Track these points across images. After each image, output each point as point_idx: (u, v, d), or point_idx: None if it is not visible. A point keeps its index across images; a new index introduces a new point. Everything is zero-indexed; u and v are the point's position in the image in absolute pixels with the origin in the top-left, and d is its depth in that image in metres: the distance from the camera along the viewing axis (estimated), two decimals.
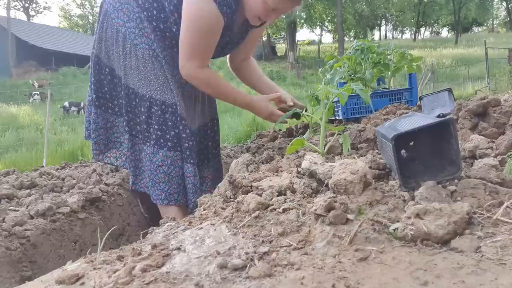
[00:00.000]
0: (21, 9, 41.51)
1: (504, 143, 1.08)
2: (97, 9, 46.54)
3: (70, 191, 1.94)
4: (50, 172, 2.25)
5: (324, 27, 48.22)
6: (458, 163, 0.88)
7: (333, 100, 1.47)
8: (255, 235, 0.79)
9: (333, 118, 2.19)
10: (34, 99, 17.25)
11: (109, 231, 1.04)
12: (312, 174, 1.09)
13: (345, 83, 1.96)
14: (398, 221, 0.76)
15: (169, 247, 0.79)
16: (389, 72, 2.31)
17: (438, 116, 1.63)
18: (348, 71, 2.29)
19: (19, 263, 1.38)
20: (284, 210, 0.87)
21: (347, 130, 1.53)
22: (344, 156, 1.28)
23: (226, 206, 1.03)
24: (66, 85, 18.33)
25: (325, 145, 1.38)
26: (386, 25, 57.50)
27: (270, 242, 0.75)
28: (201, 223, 0.92)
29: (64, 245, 1.59)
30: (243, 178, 1.14)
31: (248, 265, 0.66)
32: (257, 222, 0.85)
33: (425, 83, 12.10)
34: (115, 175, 2.22)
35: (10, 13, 28.75)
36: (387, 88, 2.33)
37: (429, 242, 0.68)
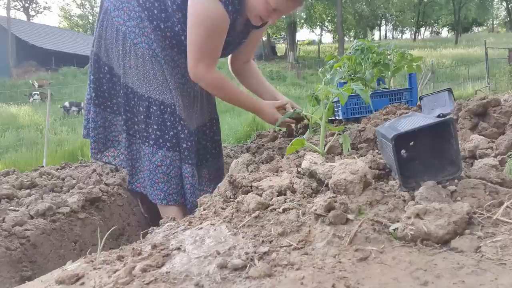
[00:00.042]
0: (21, 9, 41.53)
1: (504, 143, 1.08)
2: (97, 9, 46.53)
3: (70, 191, 1.94)
4: (50, 172, 2.25)
5: (324, 27, 48.23)
6: (458, 163, 0.88)
7: (333, 100, 1.47)
8: (255, 235, 0.79)
9: (333, 118, 2.19)
10: (34, 99, 17.25)
11: (109, 231, 1.04)
12: (312, 174, 1.09)
13: (345, 83, 1.96)
14: (398, 221, 0.76)
15: (169, 247, 0.79)
16: (389, 72, 2.31)
17: (438, 116, 1.63)
18: (348, 71, 2.29)
19: (19, 263, 1.38)
20: (284, 210, 0.87)
21: (347, 130, 1.53)
22: (344, 156, 1.28)
23: (226, 206, 1.03)
24: (66, 85, 18.33)
25: (325, 145, 1.38)
26: (386, 25, 57.54)
27: (270, 242, 0.75)
28: (201, 223, 0.92)
29: (64, 245, 1.59)
30: (243, 178, 1.14)
31: (248, 265, 0.66)
32: (257, 222, 0.85)
33: (425, 83, 12.10)
34: (115, 175, 2.22)
35: (10, 13, 28.77)
36: (387, 88, 2.32)
37: (429, 242, 0.68)
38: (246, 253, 0.70)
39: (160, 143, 1.92)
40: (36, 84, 19.86)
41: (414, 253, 0.66)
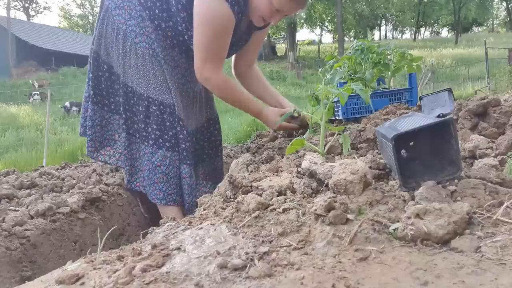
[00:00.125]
0: (21, 9, 41.55)
1: (504, 143, 1.08)
2: (97, 9, 46.57)
3: (70, 191, 1.94)
4: (50, 172, 2.25)
5: (324, 27, 48.25)
6: (458, 163, 0.88)
7: (333, 100, 1.47)
8: (255, 235, 0.79)
9: (333, 118, 2.19)
10: (34, 99, 17.25)
11: (109, 231, 1.04)
12: (312, 174, 1.09)
13: (345, 83, 1.96)
14: (398, 221, 0.76)
15: (169, 247, 0.79)
16: (389, 72, 2.31)
17: (438, 116, 1.63)
18: (348, 71, 2.29)
19: (19, 263, 1.38)
20: (284, 210, 0.87)
21: (347, 130, 1.53)
22: (344, 156, 1.28)
23: (226, 206, 1.03)
24: (66, 85, 18.34)
25: (325, 145, 1.38)
26: (386, 25, 57.54)
27: (270, 242, 0.75)
28: (201, 223, 0.92)
29: (64, 245, 1.59)
30: (243, 178, 1.14)
31: (248, 265, 0.66)
32: (257, 222, 0.85)
33: (425, 83, 12.10)
34: (115, 175, 2.22)
35: (10, 13, 28.77)
36: (387, 88, 2.32)
37: (429, 242, 0.68)
38: (246, 253, 0.70)
39: (160, 143, 1.92)
40: (36, 84, 19.87)
41: (414, 253, 0.66)
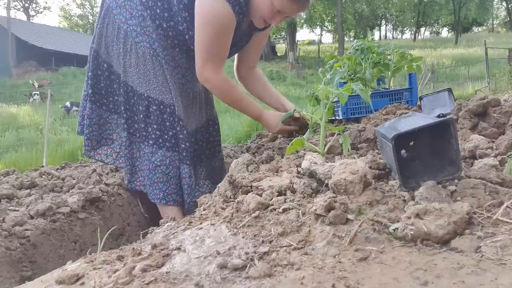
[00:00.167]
0: (21, 9, 41.55)
1: (504, 143, 1.08)
2: (97, 9, 46.59)
3: (70, 191, 1.94)
4: (50, 172, 2.25)
5: (324, 27, 48.25)
6: (458, 163, 0.88)
7: (333, 100, 1.47)
8: (255, 235, 0.79)
9: (333, 118, 2.19)
10: (34, 99, 17.25)
11: (109, 231, 1.04)
12: (312, 174, 1.09)
13: (345, 83, 1.96)
14: (398, 221, 0.76)
15: (169, 247, 0.79)
16: (389, 72, 2.31)
17: (438, 116, 1.63)
18: (348, 71, 2.29)
19: (19, 263, 1.38)
20: (284, 210, 0.87)
21: (347, 130, 1.53)
22: (344, 156, 1.28)
23: (226, 206, 1.03)
24: (66, 85, 18.35)
25: (325, 145, 1.38)
26: (386, 25, 57.55)
27: (270, 242, 0.75)
28: (201, 223, 0.92)
29: (64, 245, 1.59)
30: (243, 178, 1.14)
31: (248, 265, 0.66)
32: (257, 222, 0.85)
33: (425, 83, 12.10)
34: (115, 175, 2.22)
35: (10, 13, 28.77)
36: (387, 88, 2.32)
37: (429, 242, 0.68)
38: (246, 253, 0.70)
39: (160, 143, 1.92)
40: (36, 84, 19.87)
41: (414, 253, 0.66)
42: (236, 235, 0.80)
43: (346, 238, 0.71)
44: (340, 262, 0.65)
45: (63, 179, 2.15)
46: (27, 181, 1.99)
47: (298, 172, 1.14)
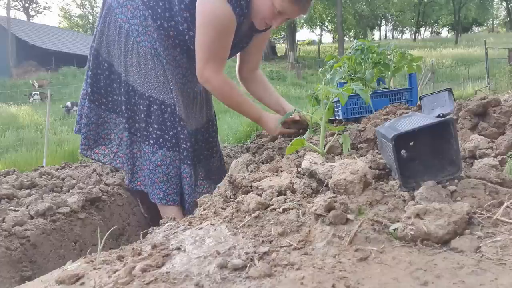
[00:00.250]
0: (21, 9, 41.55)
1: (504, 143, 1.08)
2: (97, 9, 46.58)
3: (70, 191, 1.94)
4: (50, 172, 2.25)
5: (324, 27, 48.26)
6: (458, 163, 0.88)
7: (333, 100, 1.47)
8: (255, 235, 0.79)
9: (333, 118, 2.19)
10: (34, 99, 17.24)
11: (109, 231, 1.04)
12: (312, 174, 1.09)
13: (345, 83, 1.96)
14: (398, 221, 0.76)
15: (169, 247, 0.79)
16: (389, 72, 2.31)
17: (438, 116, 1.63)
18: (348, 71, 2.29)
19: (19, 263, 1.38)
20: (284, 210, 0.87)
21: (347, 130, 1.53)
22: (344, 156, 1.28)
23: (226, 206, 1.03)
24: (66, 85, 18.34)
25: (325, 145, 1.38)
26: (386, 25, 57.56)
27: (270, 242, 0.75)
28: (201, 223, 0.92)
29: (64, 245, 1.59)
30: (243, 178, 1.14)
31: (248, 265, 0.66)
32: (257, 222, 0.85)
33: (425, 83, 12.09)
34: (115, 175, 2.22)
35: (10, 13, 28.77)
36: (387, 88, 2.32)
37: (429, 242, 0.68)
38: (246, 253, 0.70)
39: (161, 143, 1.92)
40: (36, 84, 19.87)
41: (414, 253, 0.66)
42: (236, 235, 0.80)
43: (346, 238, 0.71)
44: (340, 262, 0.65)
45: (63, 179, 2.15)
46: (27, 181, 1.99)
47: (298, 172, 1.14)
